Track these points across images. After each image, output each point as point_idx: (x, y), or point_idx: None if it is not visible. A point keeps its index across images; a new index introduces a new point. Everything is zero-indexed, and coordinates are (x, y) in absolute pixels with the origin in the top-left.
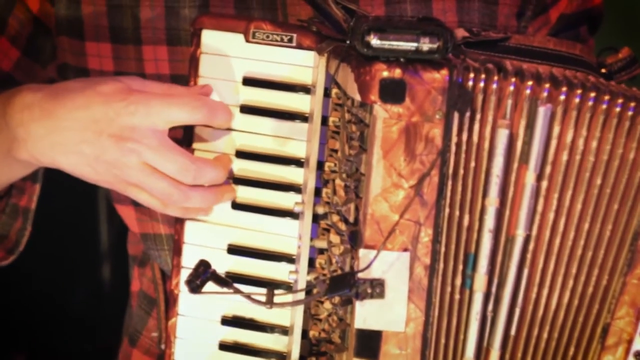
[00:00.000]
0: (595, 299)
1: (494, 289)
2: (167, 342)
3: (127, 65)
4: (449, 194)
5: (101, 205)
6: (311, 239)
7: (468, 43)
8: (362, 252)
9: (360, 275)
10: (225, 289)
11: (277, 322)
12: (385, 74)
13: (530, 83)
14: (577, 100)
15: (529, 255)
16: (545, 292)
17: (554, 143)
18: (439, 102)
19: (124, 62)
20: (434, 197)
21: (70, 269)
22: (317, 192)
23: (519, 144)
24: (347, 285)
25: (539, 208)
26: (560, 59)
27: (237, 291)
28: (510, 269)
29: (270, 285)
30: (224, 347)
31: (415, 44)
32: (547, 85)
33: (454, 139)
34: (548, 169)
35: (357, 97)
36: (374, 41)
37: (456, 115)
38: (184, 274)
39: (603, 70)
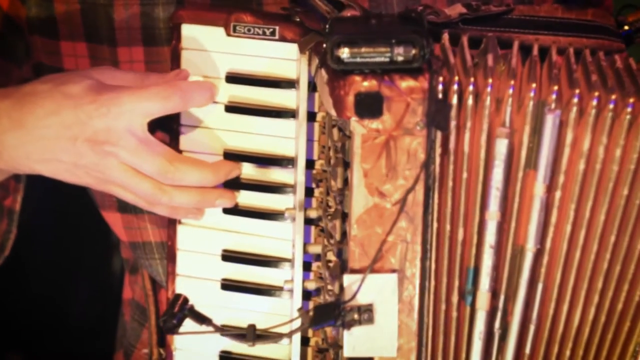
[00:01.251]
0: (625, 316)
1: (500, 304)
2: (167, 352)
3: (103, 66)
4: (436, 207)
5: None
6: (305, 245)
7: (466, 20)
8: (346, 278)
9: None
10: (204, 327)
11: (277, 330)
12: (360, 87)
13: (534, 85)
14: (594, 103)
15: (543, 270)
16: (565, 307)
17: (567, 151)
18: (419, 113)
19: (100, 63)
20: (419, 212)
21: (72, 265)
22: (310, 192)
23: (524, 152)
24: (332, 317)
25: (553, 220)
26: (570, 27)
27: (218, 329)
28: (520, 284)
29: (267, 292)
30: (224, 357)
31: (389, 55)
32: (555, 88)
33: (438, 150)
34: (561, 179)
35: (333, 113)
36: (345, 55)
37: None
38: (180, 282)
39: (622, 30)
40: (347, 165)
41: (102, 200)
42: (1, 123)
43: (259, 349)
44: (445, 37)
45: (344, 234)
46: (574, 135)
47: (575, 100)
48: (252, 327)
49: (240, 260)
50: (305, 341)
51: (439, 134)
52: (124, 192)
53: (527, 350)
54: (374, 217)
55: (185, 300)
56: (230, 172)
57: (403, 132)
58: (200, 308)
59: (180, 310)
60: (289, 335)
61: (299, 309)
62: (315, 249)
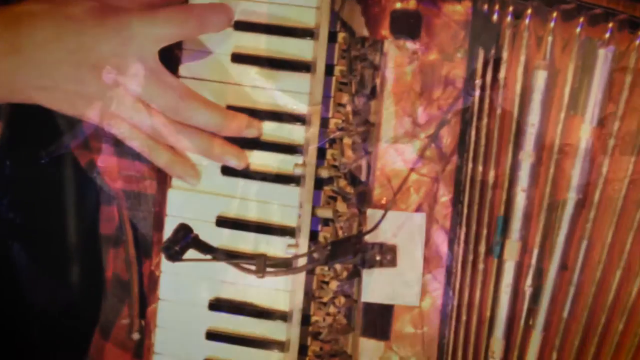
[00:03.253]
0: None
1: (534, 261)
2: (146, 331)
3: None
4: (472, 145)
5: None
6: (314, 207)
7: None
8: (370, 212)
9: (367, 238)
10: (209, 256)
11: (274, 306)
12: (397, 4)
13: (581, 20)
14: None
15: (589, 225)
16: (618, 273)
17: (624, 95)
18: (461, 37)
19: None
20: (453, 148)
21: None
22: (322, 154)
23: (567, 91)
24: (351, 251)
25: (603, 170)
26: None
27: (224, 257)
28: (559, 237)
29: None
30: (212, 336)
31: None
32: (610, 25)
33: (478, 81)
34: (616, 125)
35: (365, 33)
36: None
37: (481, 54)
38: None
39: None
40: (373, 98)
41: (97, 142)
42: None
43: (253, 327)
44: None
45: (368, 178)
46: (634, 79)
47: (638, 42)
48: (262, 256)
49: (237, 226)
50: (305, 320)
51: (479, 65)
52: (126, 127)
53: (565, 314)
54: (403, 148)
55: (190, 229)
56: (243, 127)
57: (442, 57)
58: (191, 280)
59: (184, 238)
60: (302, 269)
61: (314, 243)
62: (326, 212)
